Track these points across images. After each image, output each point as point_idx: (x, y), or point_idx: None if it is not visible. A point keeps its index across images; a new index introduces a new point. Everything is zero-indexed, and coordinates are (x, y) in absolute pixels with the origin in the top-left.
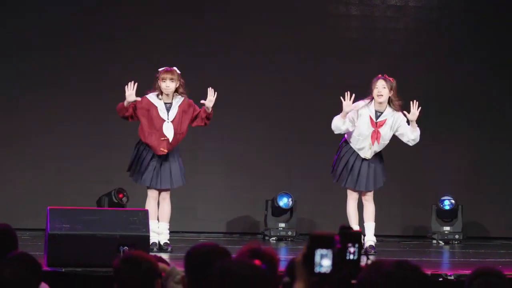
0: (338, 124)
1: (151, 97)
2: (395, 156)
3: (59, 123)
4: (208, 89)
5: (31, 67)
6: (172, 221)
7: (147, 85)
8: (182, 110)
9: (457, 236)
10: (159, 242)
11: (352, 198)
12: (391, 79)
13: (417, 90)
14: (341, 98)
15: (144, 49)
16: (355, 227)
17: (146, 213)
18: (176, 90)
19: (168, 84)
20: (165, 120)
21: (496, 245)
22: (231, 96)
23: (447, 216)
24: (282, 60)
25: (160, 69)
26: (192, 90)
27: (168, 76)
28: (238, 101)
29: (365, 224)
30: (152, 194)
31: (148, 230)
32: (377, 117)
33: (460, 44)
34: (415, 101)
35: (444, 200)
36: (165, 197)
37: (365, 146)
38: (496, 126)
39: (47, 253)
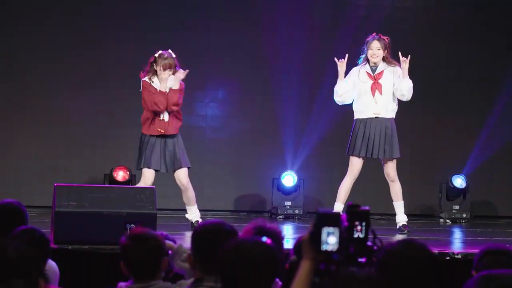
0: (337, 88)
1: (149, 80)
2: (403, 135)
3: (67, 99)
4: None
5: (40, 39)
6: (178, 199)
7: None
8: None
9: (464, 215)
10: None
11: (350, 176)
12: (385, 38)
13: (425, 69)
14: (335, 59)
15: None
16: (339, 206)
17: (153, 190)
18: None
19: (168, 73)
20: (162, 90)
21: (504, 223)
22: (240, 73)
23: (456, 195)
24: (290, 37)
25: (156, 54)
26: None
27: (167, 61)
28: (246, 78)
29: (394, 204)
30: (144, 173)
31: (155, 208)
32: (373, 71)
33: (469, 22)
34: (399, 53)
35: (455, 178)
36: (185, 182)
37: (369, 102)
38: (504, 103)
39: (53, 230)
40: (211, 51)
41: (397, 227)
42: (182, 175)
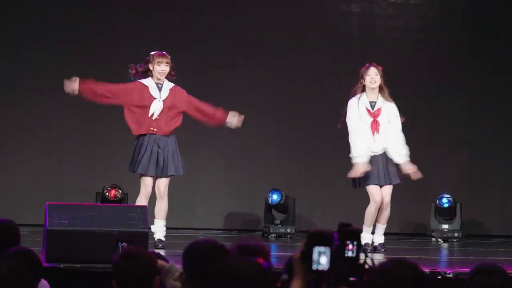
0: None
1: (143, 80)
2: None
3: (59, 118)
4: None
5: (31, 64)
6: (170, 217)
7: None
8: (174, 93)
9: (456, 234)
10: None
11: (374, 202)
12: (380, 67)
13: (416, 87)
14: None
15: (145, 47)
16: (369, 229)
17: (145, 209)
18: (166, 76)
19: (164, 68)
20: (156, 98)
21: (495, 243)
22: (231, 93)
23: (446, 214)
24: (282, 58)
25: (152, 53)
26: (192, 88)
27: (165, 60)
28: (237, 97)
29: (377, 224)
30: (145, 181)
31: (147, 226)
32: (372, 107)
33: (460, 41)
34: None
35: (442, 197)
36: (163, 190)
37: (368, 139)
38: (496, 124)
39: (45, 249)
40: (205, 74)
41: (373, 245)
42: (162, 183)
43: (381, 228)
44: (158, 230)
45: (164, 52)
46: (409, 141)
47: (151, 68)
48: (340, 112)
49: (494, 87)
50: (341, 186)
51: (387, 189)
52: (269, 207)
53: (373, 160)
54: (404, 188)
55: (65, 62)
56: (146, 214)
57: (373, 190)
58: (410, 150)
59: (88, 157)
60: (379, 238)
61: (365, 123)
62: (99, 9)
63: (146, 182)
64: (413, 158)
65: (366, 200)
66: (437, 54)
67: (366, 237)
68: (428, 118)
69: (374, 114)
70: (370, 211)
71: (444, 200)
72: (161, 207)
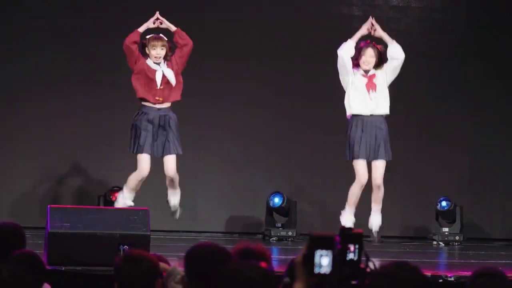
0: (346, 45)
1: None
2: (396, 156)
3: (60, 121)
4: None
5: (33, 64)
6: (171, 220)
7: None
8: (170, 67)
9: (457, 238)
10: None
11: (359, 180)
12: (379, 47)
13: (418, 91)
14: (370, 18)
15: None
16: (352, 209)
17: (146, 212)
18: (165, 57)
19: (159, 52)
20: (156, 70)
21: (497, 246)
22: (232, 95)
23: (447, 217)
24: (284, 59)
25: (148, 36)
26: (191, 88)
27: (159, 43)
28: (239, 99)
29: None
30: (141, 157)
31: (148, 229)
32: (366, 73)
33: (462, 45)
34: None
35: (442, 201)
36: (173, 173)
37: (365, 99)
38: (497, 127)
39: (47, 252)
40: (206, 76)
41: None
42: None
43: (375, 208)
44: (175, 197)
45: (160, 35)
46: (410, 144)
47: (147, 51)
48: (341, 113)
49: (496, 90)
50: (343, 189)
51: (379, 169)
52: (270, 210)
53: (367, 126)
54: (405, 192)
55: (66, 63)
56: (148, 217)
57: (357, 167)
58: (411, 152)
59: (89, 160)
60: (375, 220)
61: (360, 82)
62: (99, 9)
63: (144, 161)
64: (415, 161)
65: (368, 203)
66: (438, 57)
67: (347, 218)
68: (429, 122)
69: (368, 77)
70: (354, 191)
71: (444, 203)
72: (174, 183)
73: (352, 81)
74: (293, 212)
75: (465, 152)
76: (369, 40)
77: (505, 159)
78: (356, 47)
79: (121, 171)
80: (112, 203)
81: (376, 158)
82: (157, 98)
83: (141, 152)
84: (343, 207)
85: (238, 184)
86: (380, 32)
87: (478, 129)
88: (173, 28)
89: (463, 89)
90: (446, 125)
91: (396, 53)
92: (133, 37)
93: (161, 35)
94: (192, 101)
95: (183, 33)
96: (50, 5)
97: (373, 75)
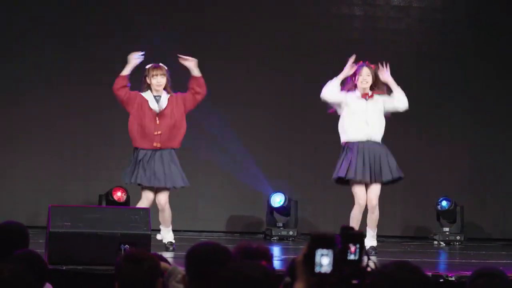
0: (330, 86)
1: (143, 93)
2: (397, 156)
3: (61, 120)
4: (178, 56)
5: (33, 64)
6: (173, 219)
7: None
8: (172, 101)
9: (458, 237)
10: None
11: (358, 204)
12: (373, 66)
13: (419, 91)
14: (350, 58)
15: (146, 47)
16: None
17: (147, 211)
18: (165, 87)
19: (159, 80)
20: (156, 111)
21: (497, 246)
22: (233, 95)
23: (447, 217)
24: (285, 60)
25: (147, 66)
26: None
27: (159, 72)
28: (239, 99)
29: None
30: (145, 195)
31: (149, 229)
32: (364, 94)
33: (463, 45)
34: (382, 63)
35: (442, 201)
36: (163, 202)
37: (361, 122)
38: (498, 127)
39: (48, 251)
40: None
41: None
42: (161, 196)
43: (369, 232)
44: (166, 235)
45: (160, 64)
46: (410, 144)
47: (148, 81)
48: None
49: (496, 90)
50: (344, 189)
51: (374, 190)
52: (271, 210)
53: (362, 149)
54: (406, 192)
55: (66, 63)
56: (149, 216)
57: (356, 190)
58: (412, 153)
59: (90, 159)
60: (370, 242)
61: (358, 106)
62: (100, 9)
63: (147, 196)
64: (415, 161)
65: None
66: (439, 57)
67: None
68: (430, 122)
69: (366, 99)
70: (354, 214)
71: (444, 203)
72: (165, 216)
73: (347, 104)
74: (294, 211)
75: (465, 152)
76: (362, 61)
77: (505, 159)
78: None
79: (121, 171)
80: (114, 202)
81: (373, 181)
82: (155, 144)
83: (140, 184)
84: (343, 207)
85: (239, 183)
86: (387, 77)
87: (478, 129)
88: (197, 73)
89: (463, 89)
90: (446, 125)
91: (399, 105)
92: (119, 83)
93: (160, 64)
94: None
95: (203, 82)
96: (50, 5)
97: (371, 96)
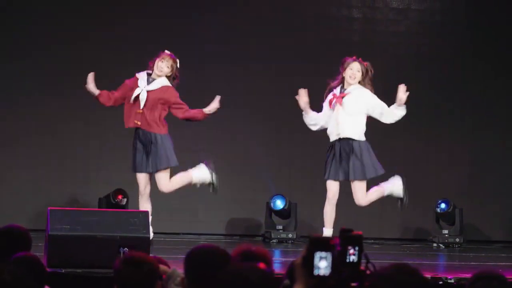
0: (306, 121)
1: (140, 74)
2: (396, 158)
3: (60, 123)
4: (217, 97)
5: (31, 66)
6: (172, 222)
7: None
8: (164, 90)
9: (457, 240)
10: None
11: (328, 197)
12: (365, 63)
13: (418, 93)
14: (300, 91)
15: (146, 49)
16: (328, 231)
17: (146, 214)
18: (168, 78)
19: (162, 66)
20: (141, 89)
21: (497, 248)
22: (232, 98)
23: (447, 219)
24: (284, 62)
25: (166, 51)
26: (192, 89)
27: (167, 60)
28: (239, 102)
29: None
30: (140, 178)
31: (148, 232)
32: (340, 92)
33: (461, 46)
34: (402, 85)
35: (441, 203)
36: (163, 188)
37: (333, 122)
38: (497, 129)
39: (47, 254)
40: (207, 77)
41: None
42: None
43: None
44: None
45: (174, 56)
46: (410, 144)
47: (155, 62)
48: None
49: (496, 90)
50: (343, 192)
51: (354, 190)
52: (270, 212)
53: (335, 149)
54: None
55: (66, 63)
56: (148, 219)
57: (327, 184)
58: (411, 152)
59: (89, 160)
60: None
61: (327, 101)
62: (100, 9)
63: (139, 180)
64: (414, 162)
65: (367, 206)
66: (438, 59)
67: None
68: (429, 124)
69: (339, 94)
70: (325, 209)
71: (443, 205)
72: (178, 185)
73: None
74: (293, 214)
75: (464, 154)
76: (355, 56)
77: (505, 160)
78: (341, 62)
79: (121, 172)
80: (116, 205)
81: (341, 178)
82: (136, 121)
83: (135, 171)
84: (343, 209)
85: (238, 186)
86: (402, 96)
87: (477, 131)
88: (207, 111)
89: (462, 90)
90: (446, 125)
91: (386, 119)
92: (104, 101)
93: (174, 56)
94: (192, 102)
95: (199, 119)
96: (50, 5)
97: (345, 94)
